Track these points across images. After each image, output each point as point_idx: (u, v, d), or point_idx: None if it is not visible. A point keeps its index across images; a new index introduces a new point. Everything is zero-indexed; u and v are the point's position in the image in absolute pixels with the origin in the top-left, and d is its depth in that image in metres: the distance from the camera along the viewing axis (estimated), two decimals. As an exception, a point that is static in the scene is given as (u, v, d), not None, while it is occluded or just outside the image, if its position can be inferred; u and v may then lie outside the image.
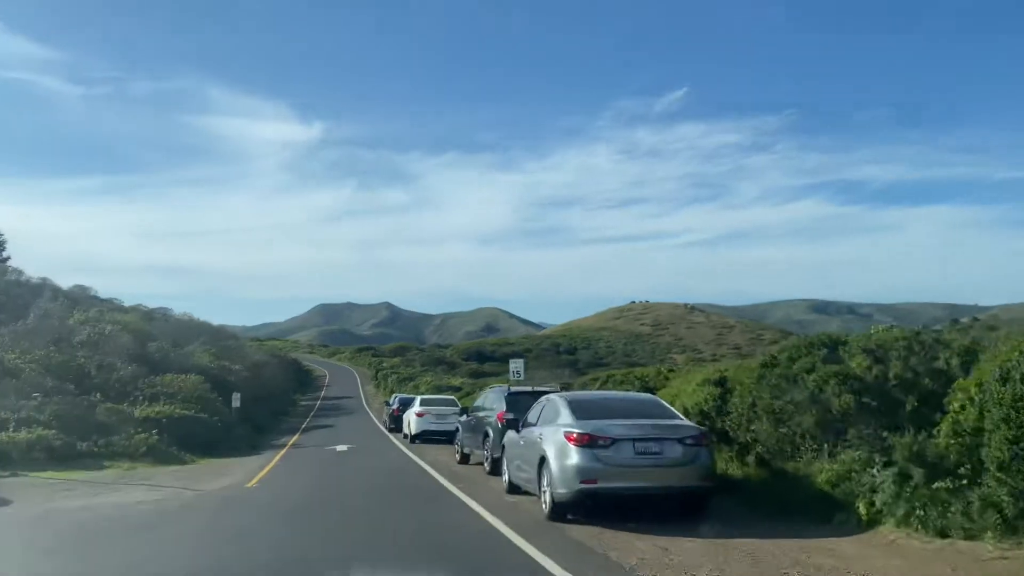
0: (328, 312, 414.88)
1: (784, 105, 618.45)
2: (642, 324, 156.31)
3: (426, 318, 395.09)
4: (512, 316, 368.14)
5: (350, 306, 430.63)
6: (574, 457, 9.20)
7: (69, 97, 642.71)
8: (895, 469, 8.33)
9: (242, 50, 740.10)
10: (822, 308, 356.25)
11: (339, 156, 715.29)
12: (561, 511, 9.42)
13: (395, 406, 32.97)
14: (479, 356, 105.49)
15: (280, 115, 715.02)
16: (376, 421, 40.85)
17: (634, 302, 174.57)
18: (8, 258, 42.32)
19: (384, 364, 77.82)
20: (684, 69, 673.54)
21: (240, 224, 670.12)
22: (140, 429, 20.71)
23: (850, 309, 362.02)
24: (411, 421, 26.18)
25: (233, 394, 30.50)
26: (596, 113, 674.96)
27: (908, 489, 8.06)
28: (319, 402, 57.75)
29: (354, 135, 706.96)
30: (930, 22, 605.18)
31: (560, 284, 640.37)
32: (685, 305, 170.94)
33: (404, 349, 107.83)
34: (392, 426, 32.05)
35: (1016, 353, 7.27)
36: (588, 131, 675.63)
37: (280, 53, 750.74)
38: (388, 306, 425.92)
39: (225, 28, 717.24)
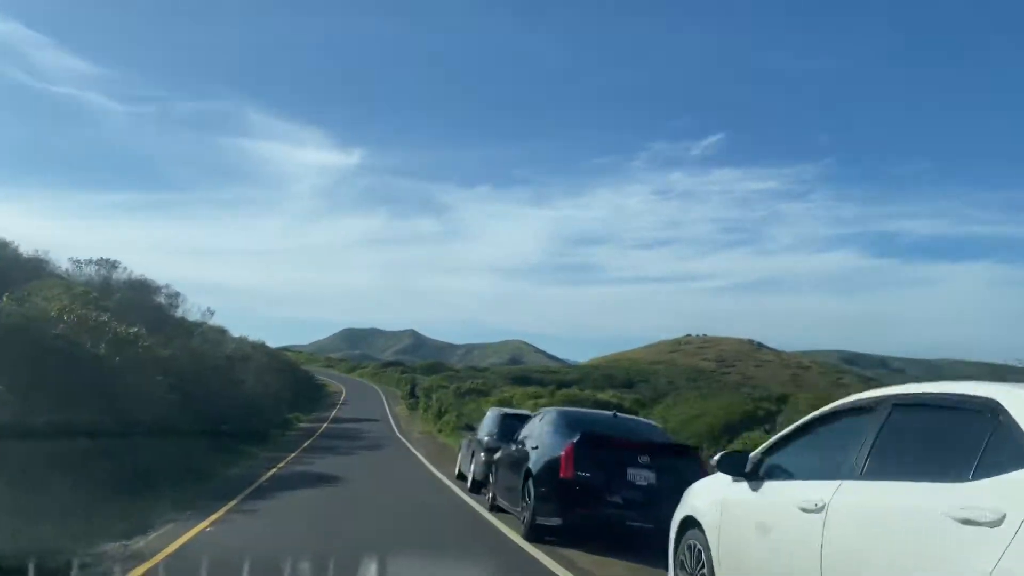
0: (353, 336, 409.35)
1: (822, 154, 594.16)
2: (704, 359, 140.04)
3: (450, 347, 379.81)
4: (538, 351, 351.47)
5: (375, 332, 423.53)
6: None
7: (113, 113, 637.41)
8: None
9: (285, 77, 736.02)
10: (853, 360, 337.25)
11: (373, 183, 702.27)
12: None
13: (568, 446, 9.44)
14: (524, 381, 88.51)
15: (317, 142, 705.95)
16: (432, 467, 20.33)
17: (691, 335, 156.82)
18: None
19: (418, 380, 57.92)
20: (723, 115, 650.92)
21: (271, 246, 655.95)
22: None
23: (882, 362, 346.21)
24: None
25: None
26: (632, 154, 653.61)
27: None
28: (325, 425, 37.91)
29: (389, 164, 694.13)
30: (974, 78, 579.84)
31: (587, 321, 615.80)
32: (751, 341, 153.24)
33: (438, 367, 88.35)
34: (563, 517, 9.42)
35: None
36: (623, 171, 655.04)
37: (321, 82, 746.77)
38: (413, 333, 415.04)
39: (269, 56, 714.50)
